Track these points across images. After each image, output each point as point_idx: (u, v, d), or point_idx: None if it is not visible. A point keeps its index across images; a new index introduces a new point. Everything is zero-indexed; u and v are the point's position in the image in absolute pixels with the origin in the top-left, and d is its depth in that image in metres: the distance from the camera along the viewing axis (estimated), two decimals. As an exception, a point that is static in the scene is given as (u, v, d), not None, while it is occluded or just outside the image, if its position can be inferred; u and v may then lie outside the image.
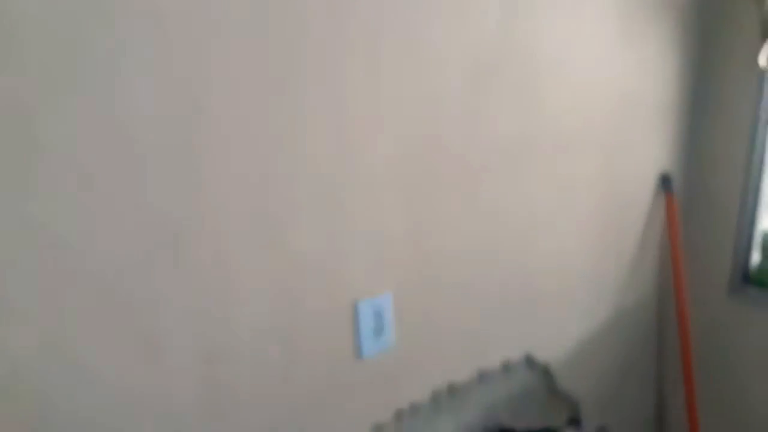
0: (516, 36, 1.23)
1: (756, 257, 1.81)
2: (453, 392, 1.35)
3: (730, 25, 1.68)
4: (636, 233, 1.74)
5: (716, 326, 1.90)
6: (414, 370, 1.26)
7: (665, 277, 1.89)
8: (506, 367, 1.47)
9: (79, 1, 0.73)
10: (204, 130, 0.87)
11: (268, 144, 0.94)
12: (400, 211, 1.15)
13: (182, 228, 0.88)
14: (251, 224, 0.96)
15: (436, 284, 1.25)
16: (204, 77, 0.85)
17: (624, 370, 1.87)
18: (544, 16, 1.27)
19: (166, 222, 0.86)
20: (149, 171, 0.83)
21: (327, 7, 0.96)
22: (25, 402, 0.80)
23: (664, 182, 1.76)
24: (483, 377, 1.41)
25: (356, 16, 0.99)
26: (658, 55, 1.59)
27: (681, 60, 1.67)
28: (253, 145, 0.93)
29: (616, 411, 1.88)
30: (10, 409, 0.79)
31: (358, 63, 1.01)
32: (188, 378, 0.95)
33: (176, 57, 0.82)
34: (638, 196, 1.71)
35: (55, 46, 0.73)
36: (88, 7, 0.74)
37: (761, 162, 1.72)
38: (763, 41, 1.54)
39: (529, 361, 1.52)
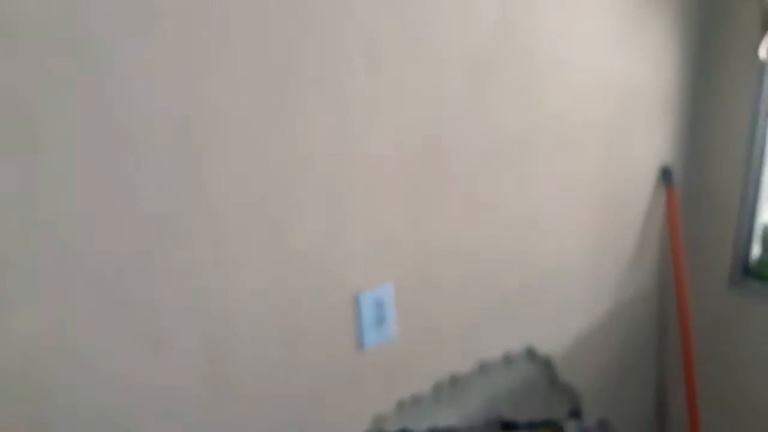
0: (515, 34, 1.23)
1: (756, 250, 1.82)
2: (454, 384, 1.36)
3: (730, 18, 1.68)
4: (636, 226, 1.74)
5: (717, 319, 1.90)
6: (415, 362, 1.27)
7: (666, 270, 1.89)
8: (507, 360, 1.47)
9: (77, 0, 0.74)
10: (203, 129, 0.88)
11: (267, 141, 0.95)
12: (401, 204, 1.15)
13: (182, 225, 0.89)
14: (252, 218, 0.96)
15: (437, 276, 1.26)
16: (203, 76, 0.86)
17: (625, 362, 1.87)
18: (543, 12, 1.27)
19: (166, 220, 0.87)
20: (149, 169, 0.84)
21: (326, 6, 0.96)
22: (27, 399, 0.81)
23: (665, 175, 1.76)
24: (484, 369, 1.42)
25: (355, 16, 0.99)
26: (658, 48, 1.60)
27: (681, 52, 1.67)
28: (253, 143, 0.93)
29: (617, 403, 1.88)
30: (12, 406, 0.80)
31: (358, 62, 1.02)
32: (189, 373, 0.96)
33: (176, 55, 0.83)
34: (639, 189, 1.71)
35: (54, 44, 0.73)
36: (87, 5, 0.74)
37: (762, 154, 1.72)
38: (763, 33, 1.54)
39: (530, 354, 1.53)
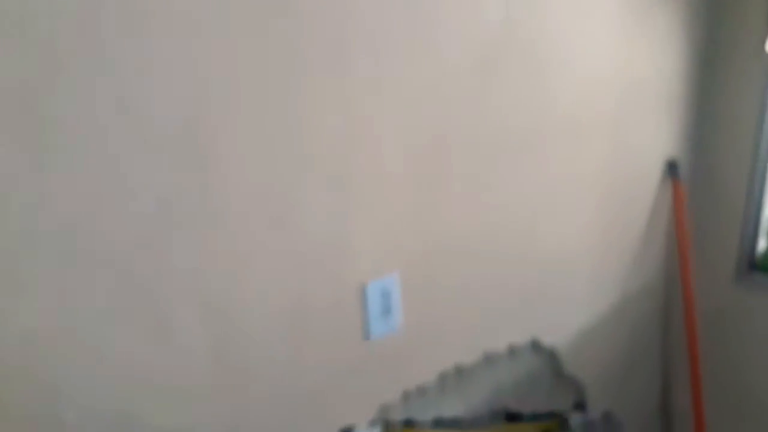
0: (520, 30, 1.24)
1: (762, 244, 1.81)
2: (459, 375, 1.37)
3: (737, 12, 1.67)
4: (642, 219, 1.74)
5: (722, 312, 1.91)
6: (421, 352, 1.28)
7: (671, 263, 1.90)
8: (512, 351, 1.48)
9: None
10: (212, 113, 0.89)
11: (273, 135, 0.95)
12: (407, 196, 1.16)
13: (190, 215, 0.90)
14: (260, 207, 0.97)
15: (443, 268, 1.26)
16: (212, 61, 0.87)
17: (630, 355, 1.88)
18: (548, 8, 1.27)
19: (174, 208, 0.88)
20: (156, 160, 0.85)
21: (332, 2, 0.96)
22: (34, 386, 0.82)
23: (671, 169, 1.76)
24: (489, 360, 1.43)
25: (360, 13, 1.00)
26: (664, 42, 1.60)
27: (687, 46, 1.67)
28: (260, 138, 0.94)
29: (622, 396, 1.89)
30: (19, 393, 0.81)
31: (363, 59, 1.03)
32: (196, 361, 0.97)
33: (182, 48, 0.83)
34: (645, 182, 1.71)
35: (68, 25, 0.74)
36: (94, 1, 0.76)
37: (768, 148, 1.72)
38: (770, 27, 1.54)
39: (535, 345, 1.54)
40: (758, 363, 1.87)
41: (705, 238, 1.88)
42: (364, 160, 1.08)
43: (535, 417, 1.58)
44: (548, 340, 1.56)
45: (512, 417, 1.52)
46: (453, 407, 1.38)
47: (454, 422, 1.38)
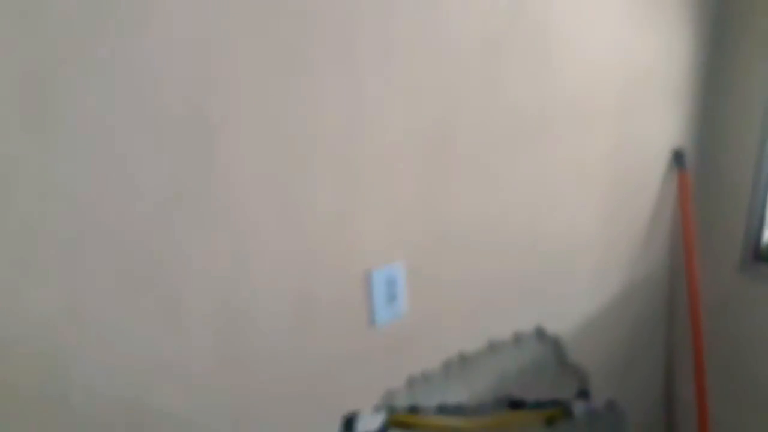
0: (527, 15, 1.23)
1: (768, 234, 1.82)
2: (464, 362, 1.38)
3: (745, 0, 1.66)
4: (648, 209, 1.74)
5: (726, 302, 1.91)
6: (425, 339, 1.28)
7: (676, 252, 1.90)
8: (517, 339, 1.49)
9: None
10: (218, 99, 0.89)
11: (281, 120, 0.96)
12: (413, 182, 1.16)
13: (199, 200, 0.90)
14: (266, 195, 0.97)
15: (448, 255, 1.27)
16: (221, 45, 0.87)
17: (634, 344, 1.88)
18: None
19: (183, 194, 0.89)
20: (165, 144, 0.85)
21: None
22: (44, 370, 0.83)
23: (677, 158, 1.76)
24: (494, 348, 1.44)
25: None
26: (672, 29, 1.59)
27: (695, 34, 1.66)
28: (267, 121, 0.94)
29: (625, 385, 1.90)
30: (29, 376, 0.82)
31: (371, 42, 1.02)
32: (205, 345, 0.97)
33: (194, 24, 0.84)
34: (651, 171, 1.71)
35: (75, 13, 0.74)
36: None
37: (775, 138, 1.71)
38: (779, 15, 1.53)
39: (540, 333, 1.54)
40: (762, 353, 1.87)
41: (710, 228, 1.88)
42: (370, 148, 1.08)
43: (539, 405, 1.59)
44: (552, 328, 1.57)
45: (516, 404, 1.53)
46: (457, 394, 1.39)
47: (458, 409, 1.39)
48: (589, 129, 1.46)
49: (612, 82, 1.47)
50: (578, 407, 1.73)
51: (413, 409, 1.30)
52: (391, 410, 1.25)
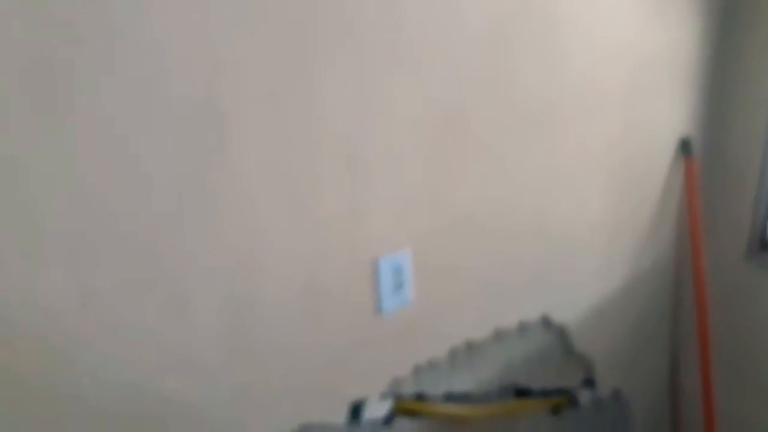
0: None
1: (775, 223, 1.81)
2: (470, 350, 1.38)
3: (755, -14, 1.65)
4: (654, 197, 1.74)
5: (732, 291, 1.90)
6: (432, 327, 1.29)
7: (682, 241, 1.89)
8: (523, 327, 1.49)
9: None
10: (228, 87, 0.89)
11: (289, 106, 0.95)
12: (420, 170, 1.16)
13: (207, 189, 0.90)
14: (274, 184, 0.97)
15: (455, 243, 1.27)
16: (228, 38, 0.87)
17: (639, 333, 1.88)
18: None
19: (191, 182, 0.89)
20: (177, 125, 0.85)
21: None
22: (52, 357, 0.83)
23: (684, 146, 1.75)
24: (500, 336, 1.44)
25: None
26: (680, 16, 1.57)
27: (703, 20, 1.65)
28: (275, 108, 0.94)
29: (631, 374, 1.90)
30: (38, 363, 0.82)
31: (378, 27, 1.02)
32: (213, 334, 0.98)
33: (200, 16, 0.83)
34: (657, 159, 1.70)
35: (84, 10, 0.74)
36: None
37: (783, 126, 1.70)
38: (788, 1, 1.52)
39: (546, 322, 1.55)
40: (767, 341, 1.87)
41: (717, 216, 1.87)
42: (377, 137, 1.08)
43: (545, 393, 1.60)
44: (558, 316, 1.57)
45: (522, 393, 1.54)
46: (463, 382, 1.39)
47: (464, 397, 1.40)
48: (597, 117, 1.45)
49: (620, 69, 1.47)
50: (584, 396, 1.73)
51: (420, 397, 1.30)
52: (397, 398, 1.26)
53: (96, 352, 0.86)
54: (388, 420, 1.25)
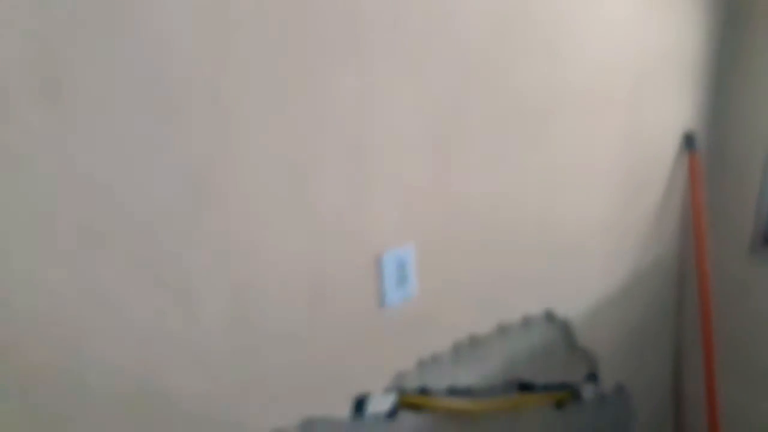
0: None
1: (779, 217, 1.80)
2: (473, 344, 1.38)
3: (760, -20, 1.64)
4: (658, 192, 1.73)
5: (736, 286, 1.90)
6: (436, 321, 1.29)
7: (686, 236, 1.89)
8: (526, 322, 1.49)
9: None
10: (232, 82, 0.88)
11: (292, 101, 0.95)
12: (424, 164, 1.16)
13: (212, 181, 0.90)
14: (278, 176, 0.97)
15: (459, 238, 1.27)
16: (231, 29, 0.86)
17: (643, 328, 1.88)
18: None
19: (197, 175, 0.88)
20: (180, 124, 0.85)
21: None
22: (59, 346, 0.83)
23: (688, 141, 1.75)
24: (503, 331, 1.44)
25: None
26: (685, 12, 1.57)
27: (708, 14, 1.64)
28: (279, 103, 0.94)
29: (634, 368, 1.90)
30: (45, 352, 0.82)
31: (380, 23, 1.01)
32: (217, 325, 0.98)
33: (205, 10, 0.83)
34: (661, 154, 1.70)
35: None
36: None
37: (787, 120, 1.70)
38: (793, -5, 1.51)
39: (549, 317, 1.54)
40: (771, 336, 1.87)
41: (720, 211, 1.87)
42: (380, 131, 1.07)
43: (548, 387, 1.60)
44: (562, 311, 1.57)
45: (525, 387, 1.54)
46: (467, 376, 1.39)
47: (467, 391, 1.40)
48: (600, 112, 1.45)
49: (623, 65, 1.46)
50: (587, 390, 1.73)
51: (423, 391, 1.30)
52: (401, 392, 1.26)
53: (101, 345, 0.86)
54: (392, 414, 1.25)
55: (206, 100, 0.86)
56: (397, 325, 1.22)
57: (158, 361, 0.93)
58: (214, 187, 0.91)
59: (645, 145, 1.63)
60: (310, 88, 0.97)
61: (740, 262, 1.88)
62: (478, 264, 1.32)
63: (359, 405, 1.20)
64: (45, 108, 0.74)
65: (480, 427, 1.47)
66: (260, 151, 0.94)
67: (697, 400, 2.08)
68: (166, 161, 0.85)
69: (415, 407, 1.29)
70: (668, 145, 1.72)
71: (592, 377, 1.75)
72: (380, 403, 1.23)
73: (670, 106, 1.67)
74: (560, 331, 1.60)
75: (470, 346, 1.37)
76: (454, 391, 1.37)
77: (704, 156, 1.82)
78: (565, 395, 1.65)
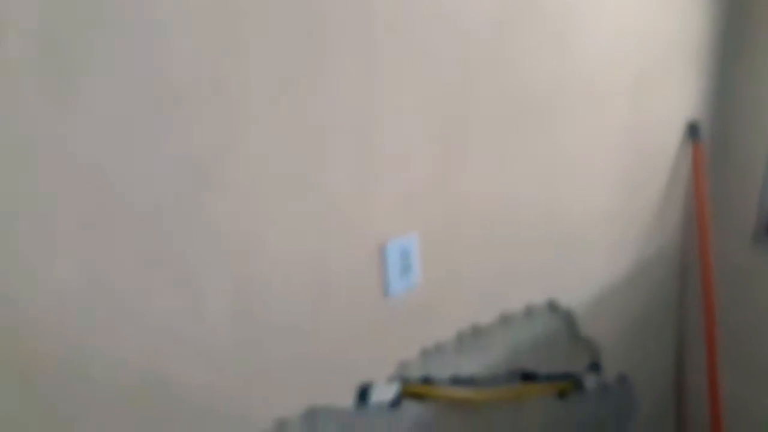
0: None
1: (783, 207, 1.80)
2: (477, 334, 1.38)
3: (765, -32, 1.63)
4: (662, 181, 1.73)
5: (739, 276, 1.90)
6: (439, 311, 1.29)
7: (689, 225, 1.89)
8: (529, 312, 1.49)
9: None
10: (236, 74, 0.88)
11: (297, 92, 0.95)
12: (428, 154, 1.15)
13: (217, 173, 0.90)
14: (281, 168, 0.97)
15: (462, 227, 1.26)
16: (235, 18, 0.86)
17: (646, 318, 1.88)
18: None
19: (201, 167, 0.88)
20: (187, 106, 0.84)
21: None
22: (64, 339, 0.83)
23: (692, 130, 1.74)
24: (506, 320, 1.44)
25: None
26: (689, 2, 1.56)
27: (712, 5, 1.63)
28: (283, 94, 0.93)
29: (637, 359, 1.90)
30: (50, 346, 0.82)
31: (384, 14, 1.01)
32: (222, 316, 0.98)
33: (209, 8, 0.83)
34: (665, 143, 1.69)
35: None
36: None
37: (792, 110, 1.69)
38: (799, -18, 1.50)
39: (552, 306, 1.54)
40: (774, 326, 1.87)
41: (723, 201, 1.87)
42: (385, 121, 1.07)
43: (551, 377, 1.60)
44: (565, 301, 1.57)
45: (528, 377, 1.54)
46: (470, 365, 1.39)
47: (470, 380, 1.40)
48: (606, 102, 1.44)
49: (627, 54, 1.45)
50: (589, 380, 1.74)
51: (426, 380, 1.30)
52: (404, 381, 1.26)
53: (105, 337, 0.86)
54: (395, 403, 1.25)
55: (209, 88, 0.86)
56: (400, 315, 1.22)
57: (162, 354, 0.93)
58: (217, 178, 0.90)
59: (649, 135, 1.62)
60: (315, 78, 0.96)
61: (743, 252, 1.88)
62: (482, 254, 1.32)
63: (363, 394, 1.20)
64: (48, 99, 0.74)
65: (483, 416, 1.47)
66: (264, 142, 0.94)
67: (699, 391, 2.08)
68: (168, 152, 0.85)
69: (418, 396, 1.29)
70: (672, 134, 1.71)
71: (595, 367, 1.75)
72: (383, 393, 1.23)
73: (675, 95, 1.66)
74: (563, 321, 1.60)
75: (473, 336, 1.37)
76: (457, 381, 1.37)
77: (708, 146, 1.82)
78: (567, 385, 1.65)
